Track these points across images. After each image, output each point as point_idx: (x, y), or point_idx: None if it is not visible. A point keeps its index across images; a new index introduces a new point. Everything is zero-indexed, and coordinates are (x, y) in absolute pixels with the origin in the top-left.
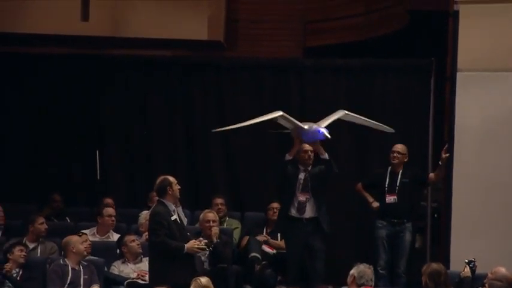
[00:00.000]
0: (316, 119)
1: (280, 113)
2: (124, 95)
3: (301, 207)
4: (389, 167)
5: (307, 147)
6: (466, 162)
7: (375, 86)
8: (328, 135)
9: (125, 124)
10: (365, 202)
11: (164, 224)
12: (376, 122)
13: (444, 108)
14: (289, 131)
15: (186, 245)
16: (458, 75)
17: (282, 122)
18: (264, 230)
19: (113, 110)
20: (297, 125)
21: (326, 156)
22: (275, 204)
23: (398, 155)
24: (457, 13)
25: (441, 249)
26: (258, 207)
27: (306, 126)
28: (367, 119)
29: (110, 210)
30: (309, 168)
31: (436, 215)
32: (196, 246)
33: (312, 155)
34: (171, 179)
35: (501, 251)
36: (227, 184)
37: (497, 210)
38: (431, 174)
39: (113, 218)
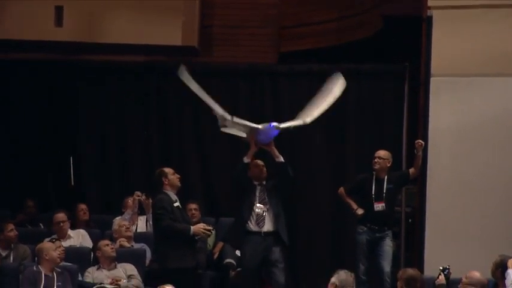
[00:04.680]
0: None
1: (229, 117)
2: (99, 100)
3: (259, 220)
4: (374, 173)
5: (258, 162)
6: (440, 167)
7: (349, 91)
8: (280, 126)
9: (100, 130)
10: (348, 208)
11: (168, 209)
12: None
13: (418, 113)
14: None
15: (192, 227)
16: (432, 80)
17: (234, 129)
18: None
19: (88, 116)
20: (250, 126)
21: (281, 159)
22: None
23: (380, 160)
24: (430, 18)
25: (415, 255)
26: (233, 213)
27: (260, 126)
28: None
29: (59, 217)
30: (264, 183)
31: (410, 220)
32: (202, 227)
33: (264, 169)
34: (167, 170)
35: (475, 255)
36: (201, 189)
37: (471, 215)
38: (411, 169)
39: (61, 224)
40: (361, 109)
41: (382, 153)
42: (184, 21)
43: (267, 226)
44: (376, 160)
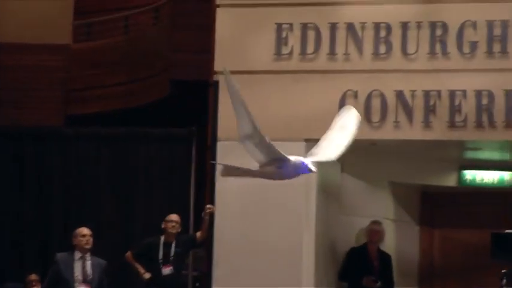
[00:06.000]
0: (80, 189)
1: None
2: None
3: None
4: (162, 237)
5: (85, 230)
6: (227, 230)
7: (137, 155)
8: (314, 169)
9: None
10: (136, 272)
11: None
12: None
13: (205, 177)
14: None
15: None
16: (219, 144)
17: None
18: None
19: None
20: (282, 156)
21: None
22: (33, 277)
23: (176, 225)
24: (217, 83)
25: None
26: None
27: (291, 159)
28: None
29: None
30: (87, 256)
31: (197, 284)
32: None
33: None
34: None
35: None
36: None
37: (257, 278)
38: (199, 233)
39: None
40: (150, 173)
41: (175, 217)
42: None
43: None
44: (173, 224)
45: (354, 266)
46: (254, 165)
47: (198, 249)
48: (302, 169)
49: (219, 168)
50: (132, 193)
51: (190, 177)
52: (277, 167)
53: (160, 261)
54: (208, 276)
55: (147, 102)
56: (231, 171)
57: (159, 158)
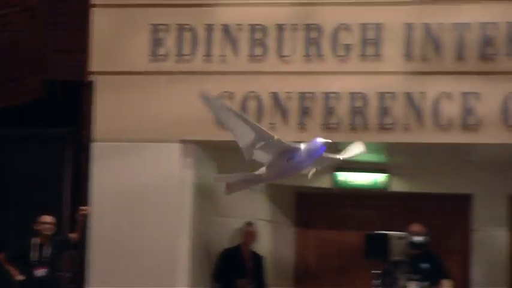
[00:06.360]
0: None
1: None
2: None
3: None
4: (36, 239)
5: None
6: (101, 232)
7: (12, 155)
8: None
9: None
10: (9, 275)
11: None
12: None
13: (80, 178)
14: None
15: None
16: (94, 145)
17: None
18: None
19: None
20: (291, 147)
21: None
22: None
23: (51, 226)
24: (92, 84)
25: None
26: None
27: (302, 146)
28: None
29: None
30: None
31: (71, 286)
32: None
33: None
34: None
35: None
36: None
37: (131, 280)
38: (73, 234)
39: None
40: (23, 173)
41: (49, 218)
42: None
43: None
44: (47, 226)
45: (228, 267)
46: (258, 171)
47: (72, 251)
48: (316, 149)
49: (222, 187)
50: (5, 194)
51: (64, 178)
52: (288, 160)
53: (34, 262)
54: (82, 277)
55: (22, 102)
56: (235, 186)
57: (33, 158)
